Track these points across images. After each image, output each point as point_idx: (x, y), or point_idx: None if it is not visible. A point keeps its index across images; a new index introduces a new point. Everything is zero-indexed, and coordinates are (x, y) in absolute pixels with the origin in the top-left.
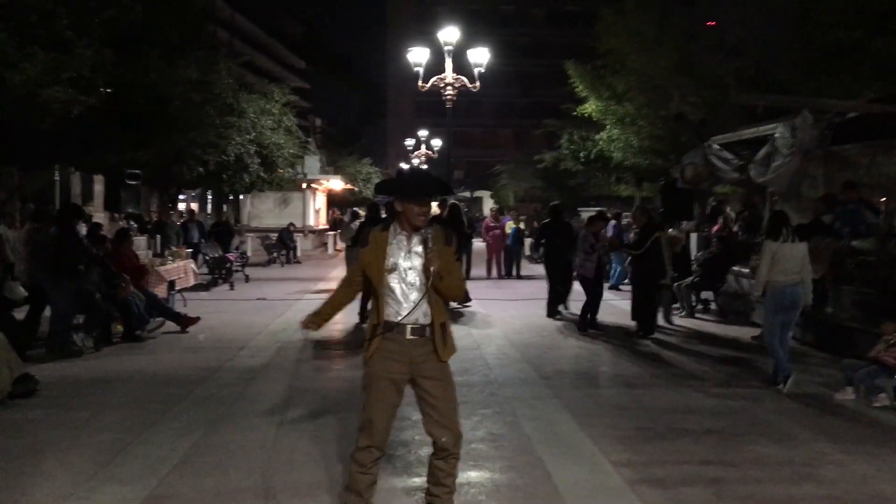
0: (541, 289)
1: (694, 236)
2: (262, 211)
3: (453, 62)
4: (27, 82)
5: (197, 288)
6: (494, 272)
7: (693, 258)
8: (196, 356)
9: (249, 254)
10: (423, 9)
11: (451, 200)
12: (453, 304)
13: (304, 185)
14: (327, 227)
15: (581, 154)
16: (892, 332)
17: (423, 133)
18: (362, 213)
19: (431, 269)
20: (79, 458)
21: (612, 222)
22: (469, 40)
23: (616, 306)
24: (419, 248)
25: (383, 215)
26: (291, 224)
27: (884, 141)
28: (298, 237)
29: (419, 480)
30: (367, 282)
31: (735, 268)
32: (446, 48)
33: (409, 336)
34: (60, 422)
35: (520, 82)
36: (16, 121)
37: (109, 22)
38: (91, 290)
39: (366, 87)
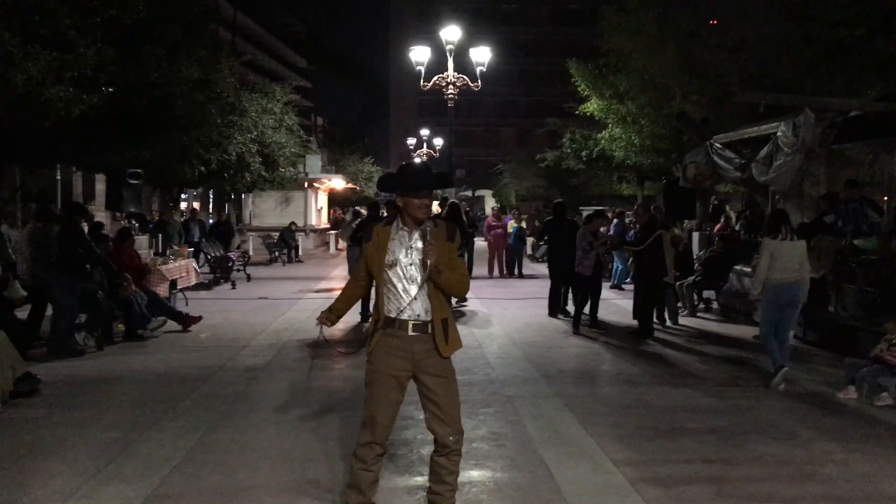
0: (542, 288)
1: (696, 235)
2: (264, 210)
3: (455, 61)
4: (29, 81)
5: (199, 287)
6: (496, 271)
7: (695, 257)
8: (198, 355)
9: (251, 253)
10: (425, 7)
11: (451, 200)
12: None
13: (305, 185)
14: (329, 226)
15: (583, 153)
16: (894, 330)
17: (424, 132)
18: (364, 212)
19: (429, 262)
20: (81, 456)
21: (615, 220)
22: (471, 39)
23: (618, 305)
24: (419, 244)
25: (383, 214)
26: (293, 223)
27: (886, 139)
28: (300, 236)
29: (421, 479)
30: (371, 278)
31: (737, 267)
32: (448, 47)
33: (410, 332)
34: (62, 421)
35: (522, 81)
36: (17, 120)
37: (112, 21)
38: (93, 290)
39: (368, 87)
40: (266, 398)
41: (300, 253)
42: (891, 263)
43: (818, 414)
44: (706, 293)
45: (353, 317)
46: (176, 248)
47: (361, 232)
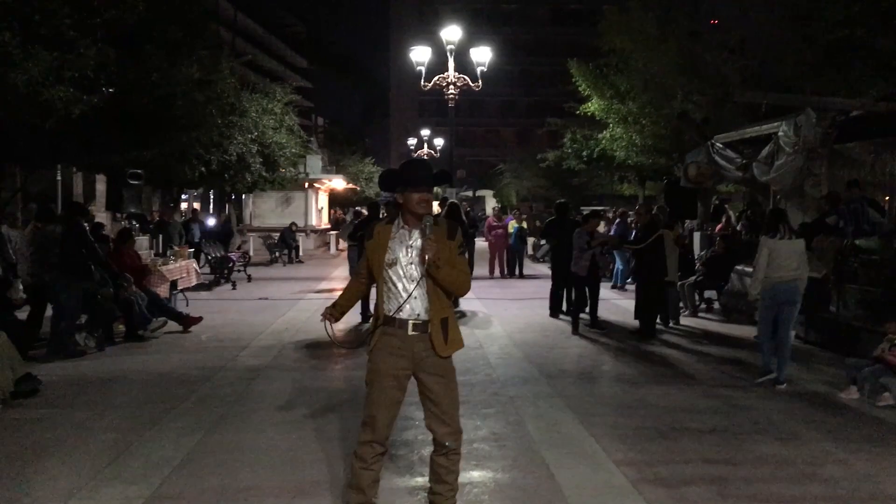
0: (543, 288)
1: (697, 235)
2: (265, 210)
3: (456, 61)
4: (29, 82)
5: (199, 287)
6: (497, 271)
7: (696, 257)
8: (198, 356)
9: (252, 253)
10: (426, 8)
11: (451, 200)
12: None
13: (306, 185)
14: (329, 226)
15: (584, 153)
16: (895, 330)
17: (425, 132)
18: (365, 212)
19: (427, 256)
20: (82, 457)
21: (617, 220)
22: (471, 39)
23: (619, 305)
24: (419, 243)
25: (383, 214)
26: (293, 223)
27: (887, 139)
28: (300, 237)
29: (422, 480)
30: (372, 276)
31: (738, 267)
32: (449, 47)
33: (410, 332)
34: (63, 421)
35: (522, 81)
36: (18, 120)
37: (112, 21)
38: (94, 290)
39: (368, 87)
40: (267, 399)
41: (301, 253)
42: (892, 263)
43: (820, 414)
44: (707, 293)
45: (353, 317)
46: (176, 248)
47: (361, 231)
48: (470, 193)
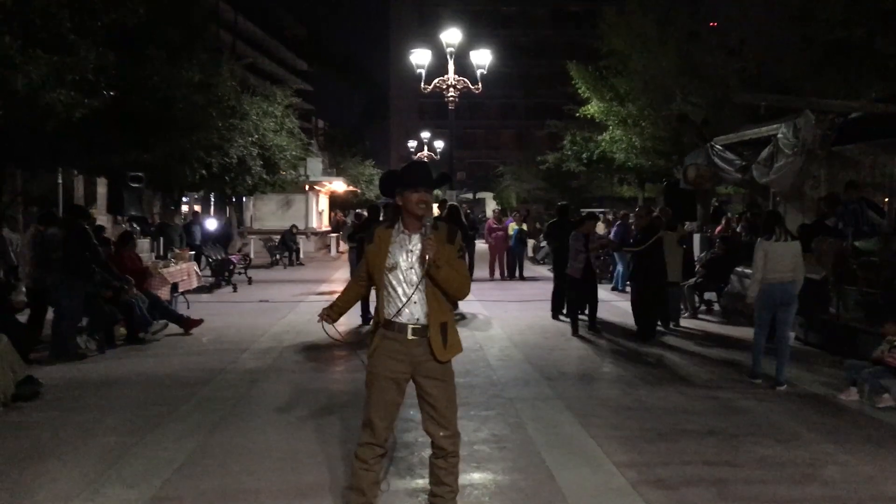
0: (543, 290)
1: (697, 237)
2: (265, 213)
3: (455, 63)
4: (30, 85)
5: (200, 290)
6: (497, 273)
7: (696, 259)
8: (199, 358)
9: (252, 256)
10: (426, 10)
11: (451, 202)
12: None
13: (306, 187)
14: (330, 229)
15: (583, 155)
16: (894, 332)
17: (425, 135)
18: (366, 215)
19: (427, 256)
20: (83, 460)
21: (618, 223)
22: (471, 41)
23: (619, 307)
24: (419, 247)
25: (382, 218)
26: (294, 226)
27: (886, 141)
28: (301, 239)
29: (422, 482)
30: (371, 279)
31: (738, 268)
32: (448, 49)
33: (410, 336)
34: (64, 424)
35: (522, 83)
36: (18, 123)
37: (112, 24)
38: (95, 293)
39: (368, 89)
40: (267, 401)
41: (301, 256)
42: (891, 265)
43: (819, 416)
44: (707, 295)
45: (354, 319)
46: (177, 251)
47: (360, 233)
48: (470, 195)
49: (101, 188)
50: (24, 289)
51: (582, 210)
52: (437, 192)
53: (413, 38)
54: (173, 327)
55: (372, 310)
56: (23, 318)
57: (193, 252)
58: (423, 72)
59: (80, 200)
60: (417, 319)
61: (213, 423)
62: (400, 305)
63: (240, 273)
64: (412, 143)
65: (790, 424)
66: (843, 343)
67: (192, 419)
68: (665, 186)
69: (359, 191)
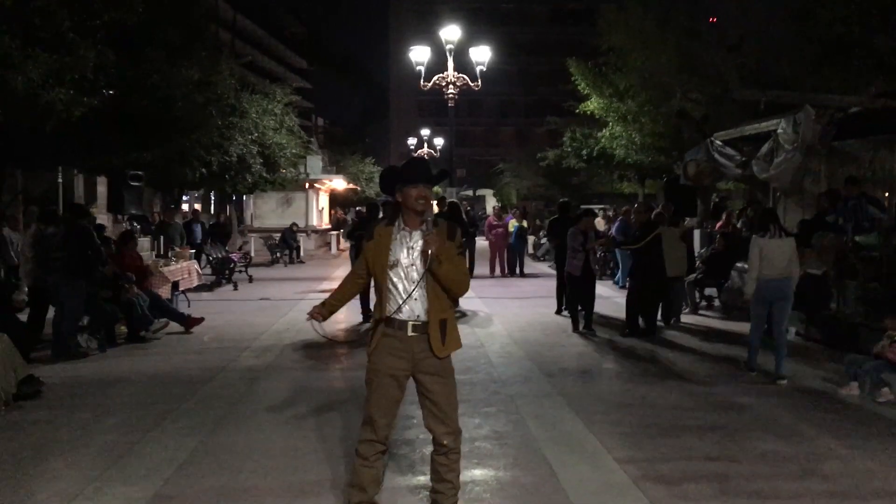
0: (544, 287)
1: (697, 233)
2: (265, 211)
3: (455, 61)
4: (29, 84)
5: (200, 288)
6: (497, 270)
7: (696, 255)
8: (200, 356)
9: (253, 254)
10: (425, 7)
11: (450, 199)
12: None
13: (306, 185)
14: (330, 226)
15: (583, 152)
16: (895, 327)
17: (425, 132)
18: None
19: (429, 251)
20: (84, 458)
21: (619, 218)
22: (470, 39)
23: (620, 303)
24: (420, 244)
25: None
26: (294, 224)
27: (886, 136)
28: (301, 237)
29: (424, 478)
30: (370, 276)
31: (739, 264)
32: (448, 47)
33: (410, 333)
34: (65, 423)
35: (522, 80)
36: (18, 123)
37: (112, 23)
38: (96, 292)
39: (368, 87)
40: (268, 399)
41: (301, 254)
42: (892, 260)
43: (820, 411)
44: (708, 290)
45: (354, 316)
46: (178, 249)
47: (359, 230)
48: (470, 193)
49: (102, 187)
50: (26, 288)
51: (583, 207)
52: (437, 189)
53: (412, 35)
54: (174, 326)
55: (372, 307)
56: (23, 316)
57: (194, 250)
58: (422, 69)
59: (80, 199)
60: (418, 316)
61: (214, 421)
62: (401, 302)
63: (240, 271)
64: (412, 141)
65: (791, 420)
66: (844, 338)
67: (193, 417)
68: (665, 182)
69: (359, 188)
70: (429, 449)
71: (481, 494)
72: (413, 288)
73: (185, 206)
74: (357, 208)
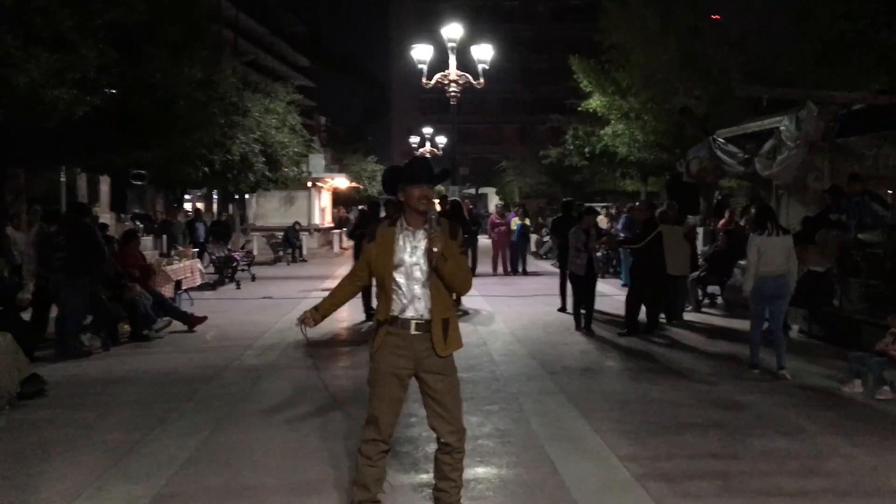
0: (546, 285)
1: (700, 230)
2: (268, 210)
3: (457, 59)
4: (31, 83)
5: (203, 287)
6: (500, 268)
7: (699, 252)
8: (203, 355)
9: (255, 253)
10: (427, 6)
11: (452, 198)
12: None
13: (309, 184)
14: (332, 225)
15: (586, 149)
16: None
17: (427, 130)
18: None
19: (435, 249)
20: (87, 457)
21: (624, 215)
22: (472, 36)
23: (623, 301)
24: (423, 243)
25: (383, 214)
26: (297, 223)
27: (889, 132)
28: (304, 236)
29: (426, 476)
30: (370, 276)
31: (741, 262)
32: (450, 45)
33: (413, 331)
34: (68, 422)
35: (524, 78)
36: (20, 122)
37: (113, 22)
38: (99, 290)
39: (370, 85)
40: (271, 397)
41: (304, 252)
42: (895, 257)
43: (823, 408)
44: (710, 288)
45: (357, 314)
46: (180, 248)
47: (360, 229)
48: (473, 191)
49: (105, 186)
50: (31, 287)
51: (586, 205)
52: (439, 187)
53: (414, 33)
54: (177, 324)
55: (374, 305)
56: (26, 315)
57: (197, 249)
58: (424, 67)
59: (83, 198)
60: (421, 315)
61: (216, 420)
62: (404, 301)
63: (243, 270)
64: (414, 139)
65: (794, 417)
66: (847, 335)
67: (195, 416)
68: (668, 180)
69: (361, 187)
70: (431, 447)
71: (484, 492)
72: (416, 287)
73: (187, 206)
74: (360, 207)
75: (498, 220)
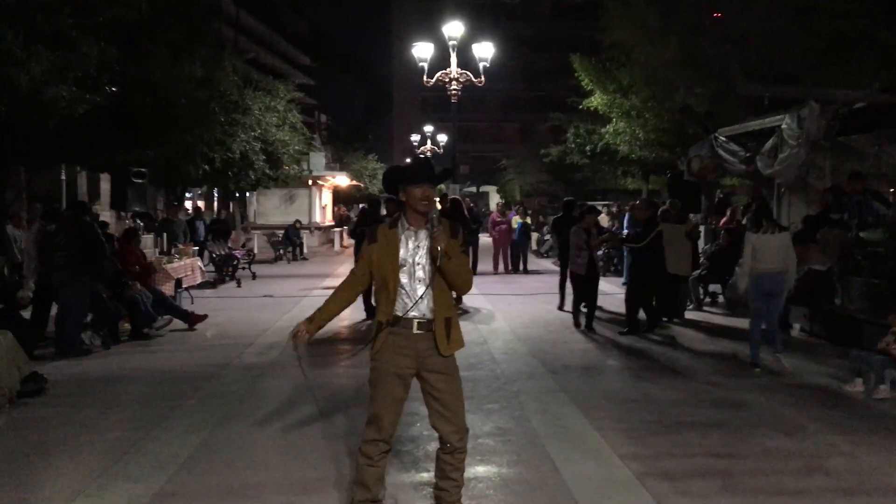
0: (547, 284)
1: (702, 229)
2: (269, 208)
3: (458, 57)
4: (32, 81)
5: (204, 285)
6: (501, 267)
7: (701, 251)
8: (203, 354)
9: (256, 251)
10: (428, 4)
11: (453, 196)
12: None
13: (309, 182)
14: (333, 223)
15: (587, 147)
16: None
17: (428, 128)
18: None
19: (440, 247)
20: (88, 455)
21: (627, 215)
22: (474, 35)
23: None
24: (426, 242)
25: (383, 212)
26: (297, 221)
27: (891, 131)
28: (305, 234)
29: (427, 475)
30: (370, 279)
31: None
32: (451, 43)
33: (415, 330)
34: (69, 420)
35: (525, 76)
36: (21, 120)
37: (114, 20)
38: (99, 289)
39: (371, 83)
40: (271, 396)
41: (305, 250)
42: None
43: (824, 407)
44: (712, 287)
45: (358, 314)
46: (181, 246)
47: (361, 227)
48: (473, 189)
49: (105, 184)
50: (33, 285)
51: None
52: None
53: (415, 31)
54: (177, 323)
55: (374, 302)
56: (26, 314)
57: (197, 248)
58: (425, 65)
59: (83, 197)
60: (423, 315)
61: (217, 418)
62: (407, 301)
63: (243, 268)
64: (415, 137)
65: (795, 416)
66: (848, 334)
67: (196, 415)
68: (669, 179)
69: (362, 185)
70: (432, 445)
71: (485, 491)
72: (419, 286)
73: (188, 204)
74: (361, 205)
75: (499, 219)
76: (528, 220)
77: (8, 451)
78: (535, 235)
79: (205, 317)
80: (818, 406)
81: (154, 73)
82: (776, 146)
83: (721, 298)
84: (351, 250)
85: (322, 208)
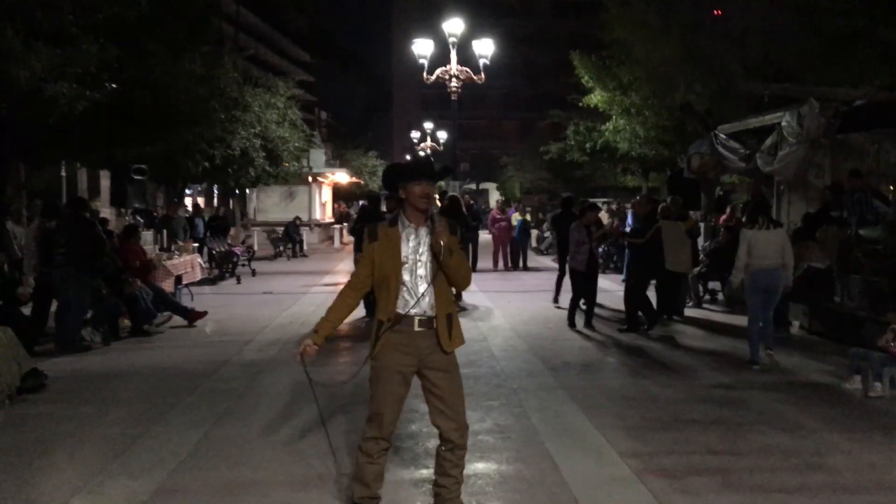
0: (547, 281)
1: (701, 226)
2: (268, 205)
3: (458, 54)
4: (32, 78)
5: (204, 282)
6: (501, 264)
7: (700, 248)
8: (203, 350)
9: (256, 248)
10: (428, 1)
11: (451, 193)
12: None
13: (309, 179)
14: (333, 220)
15: (587, 145)
16: None
17: (428, 125)
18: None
19: (442, 242)
20: (88, 452)
21: (629, 210)
22: (474, 31)
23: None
24: (427, 239)
25: (383, 208)
26: (297, 218)
27: (891, 129)
28: (304, 231)
29: (427, 472)
30: (371, 278)
31: None
32: (451, 40)
33: (416, 328)
34: (69, 416)
35: (525, 73)
36: (21, 117)
37: (114, 17)
38: (99, 285)
39: (371, 80)
40: (271, 392)
41: (305, 247)
42: None
43: (823, 404)
44: (711, 284)
45: (357, 311)
46: (181, 243)
47: (361, 224)
48: (473, 186)
49: (105, 181)
50: (33, 281)
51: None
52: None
53: (415, 28)
54: (177, 319)
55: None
56: (26, 310)
57: (197, 244)
58: (425, 62)
59: (83, 193)
60: (424, 312)
61: (217, 414)
62: (408, 298)
63: (243, 265)
64: (415, 134)
65: (794, 413)
66: (848, 332)
67: (196, 411)
68: (669, 176)
69: (362, 182)
70: (432, 442)
71: (484, 488)
72: (420, 284)
73: (188, 200)
74: (361, 202)
75: (499, 216)
76: (528, 217)
77: (8, 447)
78: (534, 232)
79: (204, 313)
80: (817, 403)
81: (154, 70)
82: (776, 144)
83: (721, 296)
84: (351, 247)
85: (322, 205)
